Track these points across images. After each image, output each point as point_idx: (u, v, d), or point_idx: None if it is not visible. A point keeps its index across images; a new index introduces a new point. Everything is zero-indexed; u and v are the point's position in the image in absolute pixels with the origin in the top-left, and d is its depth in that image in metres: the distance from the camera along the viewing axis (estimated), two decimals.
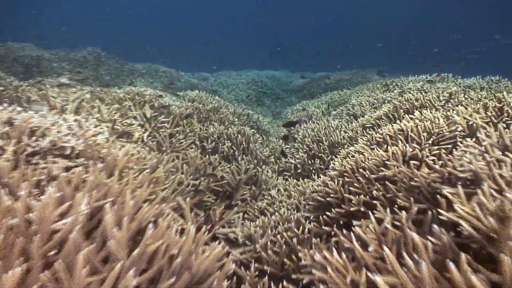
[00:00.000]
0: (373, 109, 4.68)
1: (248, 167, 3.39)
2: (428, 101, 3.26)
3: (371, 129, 3.47)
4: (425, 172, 1.56)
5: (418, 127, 2.11)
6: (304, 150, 3.43)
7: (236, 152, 3.64)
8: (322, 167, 3.20)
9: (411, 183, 1.49)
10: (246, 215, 2.95)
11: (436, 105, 3.18)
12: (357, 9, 49.19)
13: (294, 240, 1.77)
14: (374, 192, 1.63)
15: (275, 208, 2.66)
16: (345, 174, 1.97)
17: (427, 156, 1.79)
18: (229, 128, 4.06)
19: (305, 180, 3.03)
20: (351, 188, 1.80)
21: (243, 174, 3.17)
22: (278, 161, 3.61)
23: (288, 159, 3.49)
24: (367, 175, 1.79)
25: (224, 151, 3.60)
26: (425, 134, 2.08)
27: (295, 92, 14.09)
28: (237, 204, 3.01)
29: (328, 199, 1.84)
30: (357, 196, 1.70)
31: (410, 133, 2.13)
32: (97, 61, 10.21)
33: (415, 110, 3.25)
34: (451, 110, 2.80)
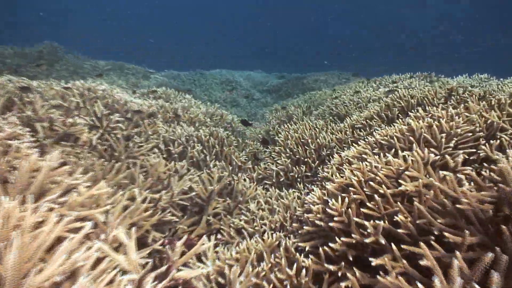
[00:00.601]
0: (357, 109, 4.31)
1: (221, 174, 2.87)
2: (426, 98, 2.90)
3: (361, 130, 3.06)
4: (467, 188, 1.13)
5: (434, 127, 1.69)
6: (287, 154, 2.96)
7: (207, 157, 3.11)
8: (309, 174, 2.74)
9: (457, 205, 1.05)
10: (219, 235, 2.43)
11: (435, 102, 2.82)
12: (357, 9, 49.41)
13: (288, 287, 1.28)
14: (400, 218, 1.16)
15: (255, 228, 2.15)
16: (350, 188, 1.51)
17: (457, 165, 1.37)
18: (200, 130, 3.52)
19: (290, 190, 2.56)
20: (363, 210, 1.34)
21: (216, 184, 2.65)
22: (256, 167, 3.12)
23: (269, 165, 3.01)
24: (382, 191, 1.34)
25: (194, 156, 3.05)
26: (443, 135, 1.66)
27: (271, 92, 13.69)
28: (209, 221, 2.49)
29: (330, 223, 1.37)
30: (373, 221, 1.24)
31: (424, 134, 1.71)
32: (53, 56, 9.28)
33: (413, 109, 2.87)
34: (456, 107, 2.44)
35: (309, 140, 2.95)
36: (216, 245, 2.11)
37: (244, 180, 2.94)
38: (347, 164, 2.01)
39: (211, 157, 3.21)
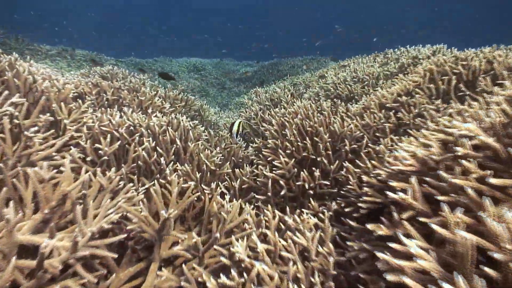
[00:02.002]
0: (364, 87, 3.34)
1: (184, 185, 1.79)
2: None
3: (392, 111, 2.07)
4: None
5: None
6: (288, 151, 1.90)
7: (162, 159, 1.99)
8: (326, 182, 1.70)
9: None
10: None
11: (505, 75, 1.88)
12: (357, 9, 48.89)
13: None
14: None
15: None
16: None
17: None
18: (153, 117, 2.38)
19: (304, 214, 1.51)
20: None
21: (174, 208, 1.55)
22: (238, 171, 2.04)
23: (261, 169, 1.93)
24: None
25: (141, 158, 1.92)
26: None
27: (244, 81, 12.56)
28: (160, 277, 1.39)
29: None
30: None
31: None
32: None
33: (477, 78, 1.92)
34: None
35: (320, 128, 1.90)
36: None
37: (222, 194, 1.86)
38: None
39: (169, 158, 2.09)
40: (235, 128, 2.46)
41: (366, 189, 1.27)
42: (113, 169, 1.59)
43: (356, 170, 1.61)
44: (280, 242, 1.29)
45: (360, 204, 1.25)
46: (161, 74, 3.47)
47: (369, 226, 1.08)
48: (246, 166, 2.08)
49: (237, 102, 8.65)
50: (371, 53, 5.33)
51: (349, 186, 1.51)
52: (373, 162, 1.48)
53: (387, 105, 2.11)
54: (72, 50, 10.50)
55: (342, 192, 1.58)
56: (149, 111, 2.66)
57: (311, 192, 1.66)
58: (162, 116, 2.67)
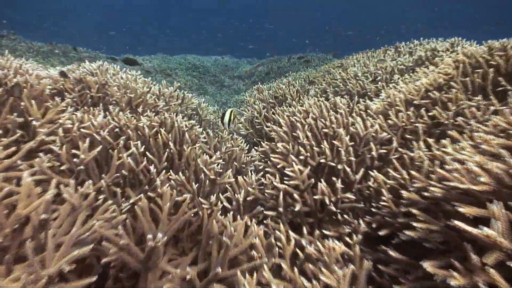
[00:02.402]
0: (377, 83, 3.04)
1: (178, 198, 1.50)
2: None
3: (423, 108, 1.77)
4: None
5: None
6: (301, 156, 1.60)
7: (153, 166, 1.68)
8: (351, 197, 1.40)
9: None
10: None
11: None
12: (357, 9, 48.46)
13: None
14: None
15: None
16: None
17: None
18: (143, 117, 2.07)
19: (330, 241, 1.21)
20: None
21: (165, 229, 1.26)
22: (242, 179, 1.73)
23: (269, 179, 1.63)
24: None
25: (126, 167, 1.62)
26: None
27: (243, 78, 12.23)
28: None
29: None
30: None
31: None
32: None
33: None
34: None
35: (340, 129, 1.60)
36: None
37: (223, 212, 1.57)
38: None
39: (161, 165, 1.79)
40: (226, 117, 2.36)
41: (414, 211, 0.97)
42: (88, 182, 1.28)
43: (387, 181, 1.31)
44: (300, 279, 0.99)
45: (407, 232, 0.95)
46: (125, 60, 3.18)
47: (429, 269, 0.78)
48: (251, 173, 1.77)
49: (237, 100, 8.34)
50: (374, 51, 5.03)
51: (383, 203, 1.21)
52: (412, 172, 1.18)
53: (415, 101, 1.80)
54: (65, 47, 10.17)
55: (372, 209, 1.28)
56: (140, 109, 2.35)
57: (333, 208, 1.36)
58: (155, 116, 2.37)
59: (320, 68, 5.66)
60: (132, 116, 2.04)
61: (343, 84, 3.24)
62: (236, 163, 2.19)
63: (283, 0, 51.15)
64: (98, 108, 2.15)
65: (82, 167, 1.45)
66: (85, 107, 2.10)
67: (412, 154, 1.40)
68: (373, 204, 1.35)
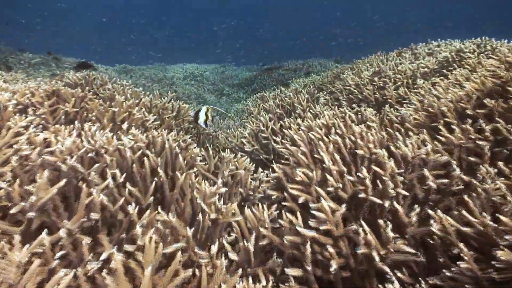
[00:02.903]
0: (397, 89, 2.67)
1: (167, 250, 1.11)
2: None
3: (480, 120, 1.40)
4: None
5: None
6: (331, 188, 1.22)
7: (133, 205, 1.29)
8: (410, 250, 1.01)
9: None
10: None
11: None
12: (357, 9, 48.48)
13: None
14: None
15: None
16: None
17: None
18: (124, 137, 1.68)
19: None
20: None
21: None
22: (250, 214, 1.34)
23: (289, 220, 1.23)
24: None
25: (96, 208, 1.22)
26: None
27: (243, 86, 11.87)
28: None
29: None
30: None
31: None
32: None
33: None
34: None
35: (379, 150, 1.22)
36: None
37: (227, 268, 1.18)
38: None
39: (146, 200, 1.40)
40: (202, 116, 2.25)
41: None
42: (43, 233, 0.89)
43: (459, 227, 0.92)
44: None
45: None
46: (79, 65, 2.87)
47: None
48: (262, 206, 1.38)
49: (237, 109, 7.98)
50: (372, 54, 4.66)
51: (463, 265, 0.82)
52: (502, 218, 0.80)
53: (467, 111, 1.42)
54: (57, 58, 9.84)
55: (442, 268, 0.88)
56: (125, 126, 1.96)
57: (381, 265, 0.96)
58: (143, 134, 1.99)
59: (325, 73, 5.30)
60: (113, 135, 1.66)
61: (358, 91, 2.87)
62: (241, 189, 1.80)
63: (283, 0, 51.25)
64: (73, 126, 1.77)
65: (32, 214, 1.06)
66: (56, 126, 1.72)
67: (485, 186, 1.02)
68: (439, 259, 0.96)
